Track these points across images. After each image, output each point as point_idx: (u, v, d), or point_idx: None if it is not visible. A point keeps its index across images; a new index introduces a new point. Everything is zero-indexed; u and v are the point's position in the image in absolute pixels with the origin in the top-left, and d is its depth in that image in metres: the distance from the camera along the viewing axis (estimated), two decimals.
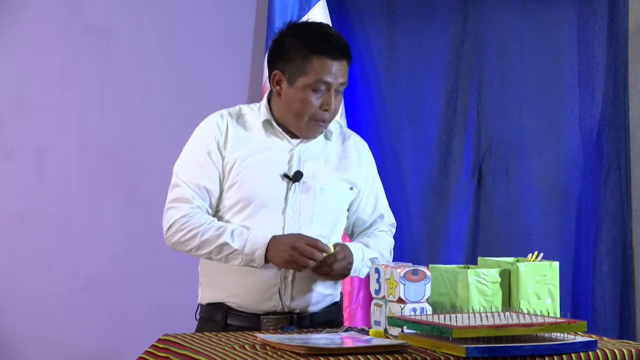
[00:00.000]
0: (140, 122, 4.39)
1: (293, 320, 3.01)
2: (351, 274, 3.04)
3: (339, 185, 3.09)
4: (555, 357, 2.40)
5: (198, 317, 3.13)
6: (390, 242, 3.23)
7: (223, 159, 3.05)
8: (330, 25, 4.43)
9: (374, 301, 2.75)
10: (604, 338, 2.68)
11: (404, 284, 2.65)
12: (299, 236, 2.94)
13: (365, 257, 3.05)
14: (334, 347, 2.41)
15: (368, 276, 2.98)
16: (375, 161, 3.23)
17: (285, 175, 3.03)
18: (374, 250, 3.11)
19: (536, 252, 2.80)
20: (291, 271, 3.01)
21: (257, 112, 3.10)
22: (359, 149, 3.19)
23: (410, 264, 2.79)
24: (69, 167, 4.31)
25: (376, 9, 4.62)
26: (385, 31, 4.61)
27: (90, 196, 4.33)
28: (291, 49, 3.03)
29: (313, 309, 3.06)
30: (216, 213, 3.07)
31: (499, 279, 2.72)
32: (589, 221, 4.33)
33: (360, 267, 3.04)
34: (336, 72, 3.00)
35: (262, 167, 3.03)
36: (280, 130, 3.07)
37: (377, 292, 2.73)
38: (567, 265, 4.26)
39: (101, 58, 4.35)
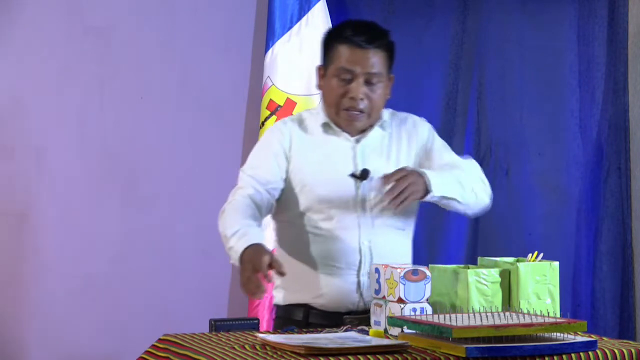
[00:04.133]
0: (140, 122, 4.39)
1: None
2: (443, 194, 2.95)
3: None
4: (555, 357, 2.40)
5: (274, 316, 3.17)
6: (478, 172, 3.12)
7: (288, 162, 3.08)
8: (329, 25, 4.45)
9: (374, 301, 2.75)
10: (604, 338, 2.68)
11: (404, 284, 2.65)
12: (258, 255, 2.76)
13: (445, 177, 2.95)
14: (334, 347, 2.41)
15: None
16: None
17: (353, 175, 3.07)
18: (461, 176, 3.02)
19: (536, 252, 2.80)
20: (366, 269, 3.03)
21: (315, 116, 3.15)
22: (410, 130, 3.16)
23: (410, 264, 2.79)
24: (69, 166, 4.31)
25: (376, 9, 4.62)
26: None
27: (90, 196, 4.33)
28: (325, 41, 3.11)
29: None
30: (290, 218, 3.09)
31: (499, 279, 2.72)
32: (589, 221, 4.33)
33: (442, 184, 2.94)
34: (362, 60, 3.02)
35: (329, 169, 3.07)
36: (339, 129, 3.11)
37: (377, 292, 2.73)
38: (567, 265, 4.26)
39: (101, 58, 4.34)
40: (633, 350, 2.48)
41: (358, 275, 3.05)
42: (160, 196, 4.42)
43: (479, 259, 2.85)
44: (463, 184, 3.02)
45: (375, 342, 2.48)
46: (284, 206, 3.12)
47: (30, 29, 4.26)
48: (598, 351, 2.44)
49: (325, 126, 3.12)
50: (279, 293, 3.16)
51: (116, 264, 4.35)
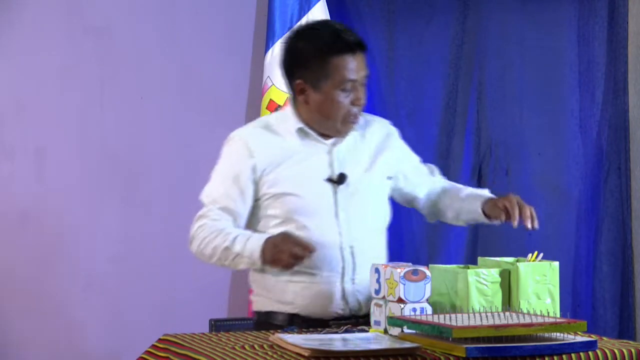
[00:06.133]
0: (140, 122, 4.40)
1: (359, 323, 2.94)
2: None
3: (378, 178, 3.10)
4: (555, 357, 2.40)
5: (255, 321, 3.09)
6: None
7: (257, 182, 3.03)
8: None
9: (374, 301, 2.75)
10: (604, 338, 2.68)
11: (404, 284, 2.65)
12: (285, 236, 2.91)
13: None
14: (336, 350, 2.39)
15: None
16: None
17: (330, 179, 3.03)
18: None
19: (536, 252, 2.80)
20: (350, 275, 3.01)
21: (285, 121, 3.09)
22: (385, 132, 3.19)
23: (410, 264, 2.79)
24: (69, 167, 4.31)
25: (376, 9, 4.62)
26: (385, 31, 4.61)
27: (90, 196, 4.33)
28: (306, 55, 3.02)
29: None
30: (265, 229, 3.04)
31: (499, 279, 2.72)
32: (589, 221, 4.33)
33: None
34: (357, 66, 3.01)
35: (305, 174, 3.02)
36: (315, 134, 3.05)
37: (377, 292, 2.73)
38: (567, 265, 4.26)
39: (101, 58, 4.35)
40: (633, 350, 2.48)
41: (342, 283, 3.01)
42: (160, 196, 4.42)
43: (479, 259, 2.85)
44: None
45: (386, 344, 2.45)
46: (257, 219, 3.08)
47: (30, 29, 4.26)
48: (598, 351, 2.44)
49: (301, 131, 3.06)
50: (259, 299, 3.08)
51: (116, 264, 4.35)
